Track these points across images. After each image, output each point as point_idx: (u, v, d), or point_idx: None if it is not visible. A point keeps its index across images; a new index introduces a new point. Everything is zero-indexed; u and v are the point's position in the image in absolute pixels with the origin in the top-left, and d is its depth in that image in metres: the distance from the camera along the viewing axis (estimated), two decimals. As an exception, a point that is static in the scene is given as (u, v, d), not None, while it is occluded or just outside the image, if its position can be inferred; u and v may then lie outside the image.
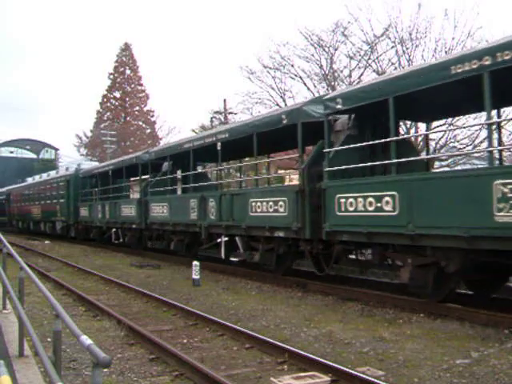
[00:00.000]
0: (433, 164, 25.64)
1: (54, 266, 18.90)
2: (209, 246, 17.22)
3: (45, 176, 40.96)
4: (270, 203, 13.25)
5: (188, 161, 17.97)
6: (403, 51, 27.47)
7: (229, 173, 29.97)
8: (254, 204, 13.94)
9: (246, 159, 20.02)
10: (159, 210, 19.81)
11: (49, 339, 7.64)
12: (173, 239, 19.30)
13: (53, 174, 39.23)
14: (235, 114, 37.22)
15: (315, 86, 30.92)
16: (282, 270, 14.00)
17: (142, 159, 21.75)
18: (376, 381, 5.72)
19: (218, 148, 15.78)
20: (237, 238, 15.28)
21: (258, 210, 13.73)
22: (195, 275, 13.72)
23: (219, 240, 15.92)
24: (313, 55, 30.69)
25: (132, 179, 27.09)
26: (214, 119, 39.53)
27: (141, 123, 65.74)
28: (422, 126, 24.19)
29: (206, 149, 17.04)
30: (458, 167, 24.48)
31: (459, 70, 8.72)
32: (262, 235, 13.76)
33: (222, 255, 15.83)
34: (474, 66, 8.45)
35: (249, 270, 15.31)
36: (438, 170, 14.66)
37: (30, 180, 47.30)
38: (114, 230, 25.19)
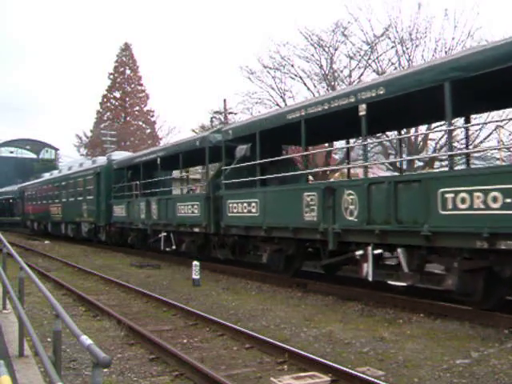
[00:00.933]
0: (433, 164, 25.68)
1: (54, 265, 18.90)
2: (338, 260, 12.17)
3: (65, 170, 34.69)
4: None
5: (272, 143, 14.54)
6: (403, 51, 27.49)
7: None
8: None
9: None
10: (243, 209, 14.61)
11: (49, 339, 7.64)
12: (265, 249, 14.43)
13: (75, 167, 32.53)
14: (235, 113, 37.22)
15: (315, 86, 30.94)
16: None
17: (211, 141, 16.79)
18: (376, 381, 5.72)
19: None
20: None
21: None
22: (195, 275, 13.72)
23: (359, 253, 10.80)
24: (313, 55, 30.70)
25: (180, 170, 21.70)
26: (213, 119, 39.53)
27: (141, 123, 65.75)
28: (421, 127, 24.22)
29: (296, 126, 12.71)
30: (458, 167, 24.45)
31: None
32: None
33: (369, 276, 10.57)
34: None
35: (249, 270, 15.31)
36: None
37: (47, 175, 40.83)
38: (163, 234, 19.87)
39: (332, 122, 12.67)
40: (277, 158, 14.41)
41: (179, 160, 18.64)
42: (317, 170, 20.05)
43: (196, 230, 17.41)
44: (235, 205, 14.99)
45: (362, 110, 10.54)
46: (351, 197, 10.83)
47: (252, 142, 14.40)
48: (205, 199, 16.79)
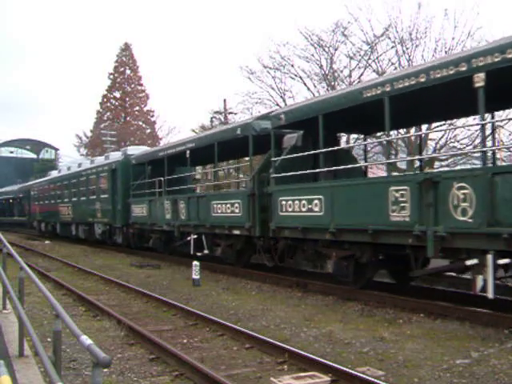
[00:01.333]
0: (433, 164, 25.65)
1: (54, 265, 18.90)
2: (439, 270, 10.43)
3: (75, 167, 32.24)
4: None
5: (328, 130, 12.33)
6: (403, 51, 27.50)
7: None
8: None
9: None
10: (300, 207, 12.30)
11: (49, 339, 7.64)
12: (331, 256, 12.10)
13: (86, 164, 30.32)
14: (235, 113, 37.24)
15: (315, 86, 30.98)
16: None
17: (255, 128, 14.45)
18: (376, 381, 5.72)
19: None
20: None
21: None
22: (195, 275, 13.72)
23: (472, 263, 8.62)
24: (313, 55, 30.73)
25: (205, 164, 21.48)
26: (214, 119, 39.53)
27: (141, 123, 65.72)
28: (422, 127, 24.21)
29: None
30: (458, 167, 24.47)
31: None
32: None
33: (489, 293, 8.32)
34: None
35: (249, 270, 15.30)
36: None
37: (54, 173, 38.36)
38: (193, 236, 17.42)
39: (426, 100, 10.58)
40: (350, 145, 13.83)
41: (213, 152, 16.11)
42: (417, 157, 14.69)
43: (236, 232, 15.14)
44: (290, 202, 12.68)
45: (480, 80, 8.29)
46: (463, 191, 8.55)
47: (306, 128, 13.04)
48: (248, 196, 14.54)
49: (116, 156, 25.79)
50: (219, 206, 15.90)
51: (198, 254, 16.91)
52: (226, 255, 16.20)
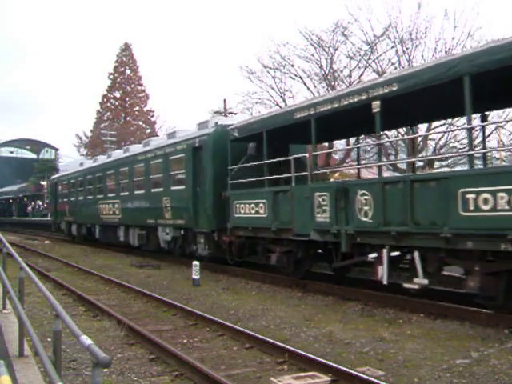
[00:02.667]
0: (432, 164, 25.67)
1: (54, 265, 18.90)
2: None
3: (134, 148, 24.01)
4: None
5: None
6: (403, 51, 27.46)
7: None
8: None
9: None
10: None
11: (49, 339, 7.64)
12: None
13: (154, 142, 21.87)
14: (235, 114, 37.21)
15: (315, 86, 30.92)
16: None
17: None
18: (376, 381, 5.73)
19: None
20: None
21: None
22: (195, 275, 13.72)
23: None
24: (313, 55, 30.68)
25: None
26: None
27: (141, 123, 65.76)
28: (422, 127, 24.23)
29: None
30: (458, 167, 24.46)
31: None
32: None
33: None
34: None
35: (249, 270, 15.30)
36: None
37: (87, 163, 30.66)
38: (390, 252, 10.10)
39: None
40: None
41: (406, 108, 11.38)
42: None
43: None
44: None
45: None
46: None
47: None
48: None
49: (203, 129, 17.18)
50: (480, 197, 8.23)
51: (409, 286, 9.84)
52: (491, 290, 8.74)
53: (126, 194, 22.48)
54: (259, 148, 14.86)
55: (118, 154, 25.68)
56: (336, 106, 11.42)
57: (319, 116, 11.87)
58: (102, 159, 27.68)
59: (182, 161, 17.76)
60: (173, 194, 18.22)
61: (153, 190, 19.89)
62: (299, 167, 13.10)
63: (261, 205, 13.84)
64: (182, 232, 18.06)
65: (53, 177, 38.69)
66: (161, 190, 19.15)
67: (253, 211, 14.14)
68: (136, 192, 21.47)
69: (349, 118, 12.08)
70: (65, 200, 32.12)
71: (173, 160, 18.41)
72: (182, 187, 17.64)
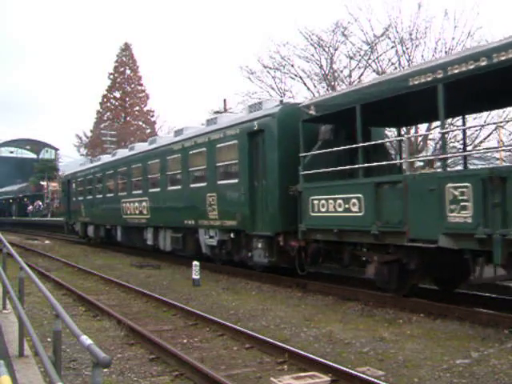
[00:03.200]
0: (432, 164, 25.62)
1: (54, 265, 18.89)
2: None
3: (142, 146, 22.30)
4: None
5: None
6: (403, 51, 27.50)
7: None
8: None
9: None
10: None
11: (49, 339, 7.64)
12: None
13: (191, 129, 18.26)
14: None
15: (315, 86, 30.97)
16: None
17: None
18: (376, 381, 5.73)
19: None
20: None
21: None
22: (195, 275, 13.72)
23: None
24: (313, 55, 30.73)
25: None
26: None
27: (141, 123, 65.75)
28: (421, 127, 24.21)
29: None
30: (459, 167, 24.47)
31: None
32: None
33: None
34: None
35: (249, 270, 15.29)
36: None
37: (105, 158, 27.13)
38: None
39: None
40: None
41: None
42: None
43: None
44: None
45: None
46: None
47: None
48: None
49: (265, 108, 13.96)
50: None
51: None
52: None
53: (157, 190, 19.33)
54: (337, 131, 12.39)
55: (142, 147, 22.24)
56: (485, 63, 8.36)
57: (451, 81, 8.88)
58: (122, 153, 24.50)
59: (233, 149, 14.62)
60: (220, 189, 15.15)
61: (192, 185, 16.80)
62: (381, 155, 11.25)
63: (353, 200, 10.75)
64: (232, 235, 14.77)
65: (66, 173, 35.52)
66: (204, 184, 16.03)
67: (340, 209, 11.05)
68: (170, 188, 18.42)
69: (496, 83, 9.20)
70: (80, 198, 28.86)
71: (220, 149, 15.23)
72: (234, 181, 14.55)
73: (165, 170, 18.81)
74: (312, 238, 12.19)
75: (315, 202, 11.83)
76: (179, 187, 17.70)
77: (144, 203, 20.27)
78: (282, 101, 14.55)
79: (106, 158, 26.86)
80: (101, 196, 25.62)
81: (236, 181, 14.47)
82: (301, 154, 12.22)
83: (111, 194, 24.20)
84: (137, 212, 20.97)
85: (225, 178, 15.22)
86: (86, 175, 28.14)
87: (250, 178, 13.91)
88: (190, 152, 16.98)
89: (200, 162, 16.43)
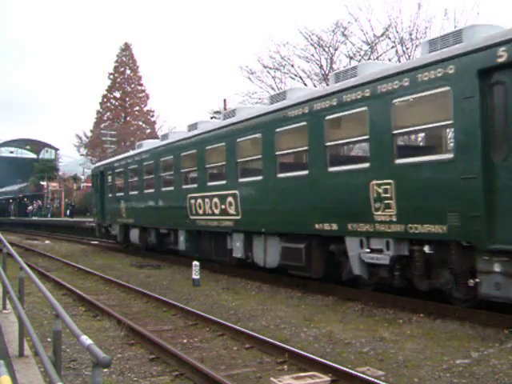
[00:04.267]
0: None
1: (54, 266, 18.89)
2: None
3: (214, 124, 16.73)
4: None
5: None
6: (403, 51, 27.55)
7: None
8: None
9: None
10: None
11: (49, 339, 7.64)
12: None
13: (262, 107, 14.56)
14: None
15: (315, 86, 30.96)
16: None
17: None
18: (376, 381, 5.73)
19: None
20: None
21: None
22: (195, 275, 13.72)
23: None
24: (313, 55, 30.79)
25: None
26: (214, 119, 39.52)
27: (141, 123, 65.83)
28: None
29: None
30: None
31: None
32: None
33: None
34: None
35: (249, 270, 15.29)
36: None
37: (152, 143, 21.47)
38: None
39: None
40: None
41: None
42: None
43: None
44: None
45: None
46: None
47: None
48: None
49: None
50: None
51: None
52: None
53: (258, 179, 13.20)
54: None
55: (202, 126, 16.50)
56: None
57: None
58: (182, 134, 17.95)
59: (439, 105, 9.22)
60: (407, 174, 9.24)
61: (335, 169, 10.79)
62: None
63: None
64: (427, 249, 9.05)
65: (98, 164, 29.34)
66: (364, 166, 10.13)
67: None
68: (281, 175, 12.35)
69: None
70: (119, 194, 22.93)
71: (402, 106, 9.50)
72: (441, 157, 9.12)
73: (276, 147, 12.42)
74: None
75: None
76: (305, 173, 11.59)
77: (230, 198, 14.17)
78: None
79: (152, 144, 21.00)
80: (152, 190, 19.48)
81: (449, 156, 8.82)
82: None
83: (169, 188, 18.09)
84: (215, 211, 14.99)
85: (411, 155, 9.66)
86: (129, 164, 21.88)
87: (482, 151, 7.95)
88: (327, 118, 10.79)
89: (349, 133, 11.01)
